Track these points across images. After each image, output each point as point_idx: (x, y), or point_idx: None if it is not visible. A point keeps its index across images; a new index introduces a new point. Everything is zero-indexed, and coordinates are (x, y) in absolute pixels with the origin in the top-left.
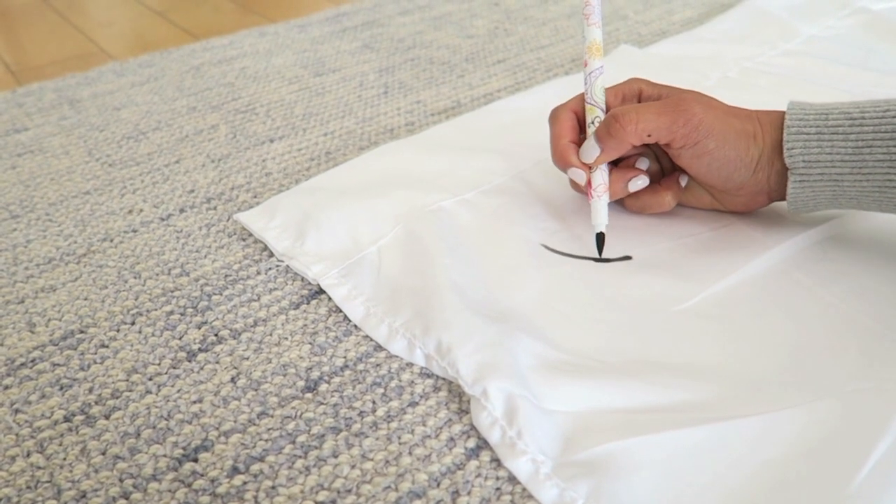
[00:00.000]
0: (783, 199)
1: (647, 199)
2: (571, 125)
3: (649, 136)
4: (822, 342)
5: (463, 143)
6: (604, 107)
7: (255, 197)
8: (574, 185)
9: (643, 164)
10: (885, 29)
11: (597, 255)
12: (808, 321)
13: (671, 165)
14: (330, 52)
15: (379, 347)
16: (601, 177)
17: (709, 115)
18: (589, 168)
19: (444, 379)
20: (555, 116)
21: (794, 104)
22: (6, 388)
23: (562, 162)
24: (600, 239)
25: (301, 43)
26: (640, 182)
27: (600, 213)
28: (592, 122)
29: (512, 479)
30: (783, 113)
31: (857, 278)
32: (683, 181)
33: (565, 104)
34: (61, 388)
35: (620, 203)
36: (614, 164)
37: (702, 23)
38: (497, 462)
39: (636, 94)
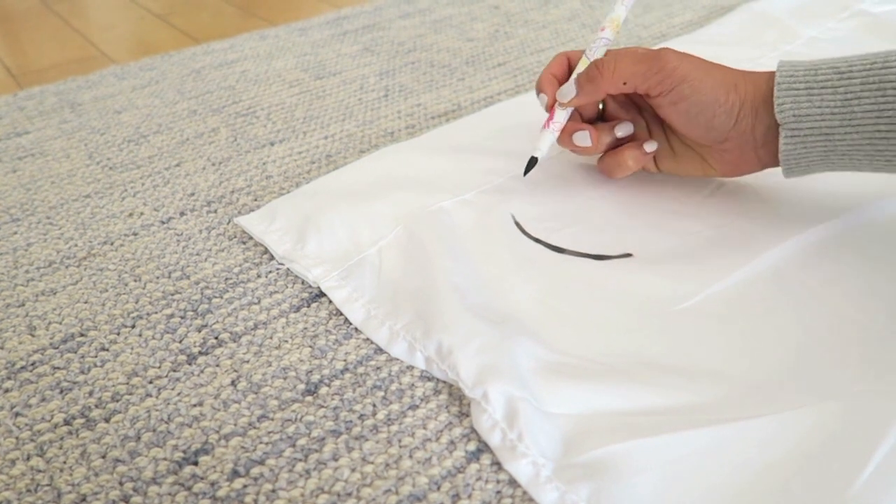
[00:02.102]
0: (775, 164)
1: (609, 161)
2: (561, 62)
3: (625, 83)
4: (825, 343)
5: (463, 145)
6: None
7: (256, 200)
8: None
9: (625, 128)
10: (886, 31)
11: (595, 252)
12: (810, 321)
13: (647, 132)
14: (330, 55)
15: (379, 350)
16: (563, 116)
17: (685, 62)
18: (556, 102)
19: (444, 382)
20: (554, 57)
21: (785, 62)
22: (6, 391)
23: (538, 86)
24: (532, 162)
25: (301, 46)
26: (581, 136)
27: (544, 142)
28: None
29: (512, 482)
30: (772, 72)
31: (859, 278)
32: (649, 147)
33: (568, 51)
34: (61, 392)
35: (613, 199)
36: (603, 121)
37: (702, 25)
38: (497, 465)
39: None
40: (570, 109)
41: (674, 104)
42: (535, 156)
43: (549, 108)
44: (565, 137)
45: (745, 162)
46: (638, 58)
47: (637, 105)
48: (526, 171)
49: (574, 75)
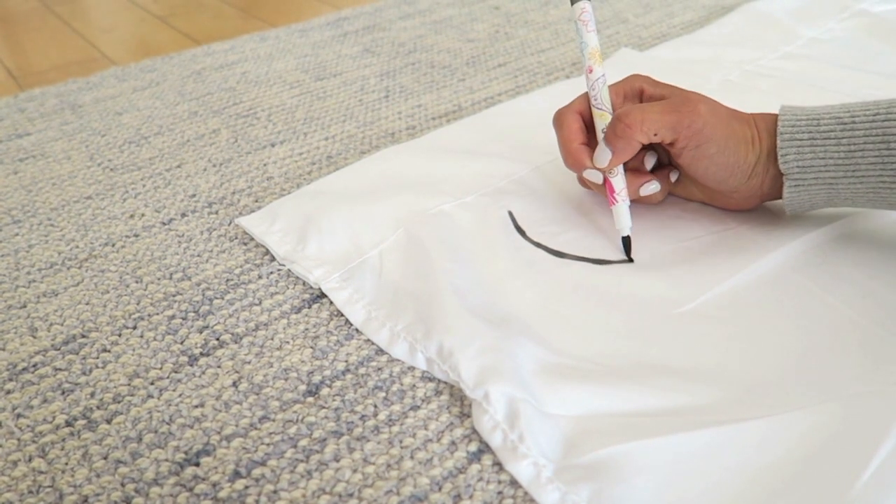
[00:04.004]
0: (776, 198)
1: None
2: (579, 126)
3: (655, 134)
4: (825, 345)
5: (464, 146)
6: (612, 111)
7: (257, 201)
8: (583, 182)
9: (651, 159)
10: (886, 31)
11: (596, 257)
12: (810, 324)
13: (667, 158)
14: (331, 56)
15: (380, 351)
16: (621, 181)
17: (713, 119)
18: (603, 171)
19: (445, 383)
20: (560, 120)
21: (786, 109)
22: (8, 392)
23: (577, 165)
24: (627, 242)
25: (302, 47)
26: (651, 187)
27: (625, 217)
28: (603, 130)
29: (513, 483)
30: (776, 116)
31: (858, 281)
32: (673, 176)
33: (569, 106)
34: (63, 393)
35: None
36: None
37: (702, 26)
38: (499, 466)
39: (637, 93)
40: (621, 172)
41: (696, 160)
42: (625, 235)
43: (610, 190)
44: (631, 193)
45: (746, 205)
46: (665, 108)
47: None
48: (628, 253)
49: (600, 136)
